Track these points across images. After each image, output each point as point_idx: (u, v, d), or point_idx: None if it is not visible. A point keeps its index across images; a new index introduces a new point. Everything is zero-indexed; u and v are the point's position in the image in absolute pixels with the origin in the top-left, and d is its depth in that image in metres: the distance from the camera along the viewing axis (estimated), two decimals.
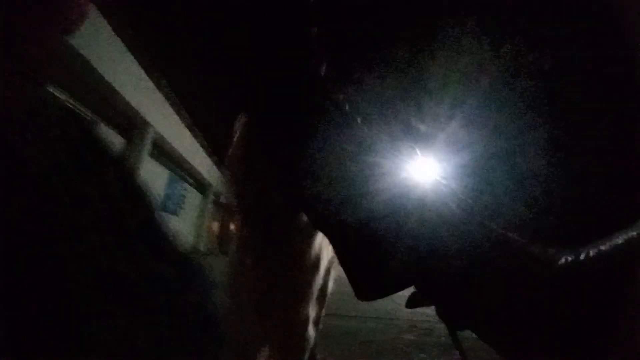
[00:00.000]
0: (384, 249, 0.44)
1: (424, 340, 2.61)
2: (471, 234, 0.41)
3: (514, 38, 0.42)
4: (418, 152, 0.44)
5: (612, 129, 0.40)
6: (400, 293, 0.49)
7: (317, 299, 1.53)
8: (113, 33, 5.10)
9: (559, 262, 0.38)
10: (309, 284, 1.09)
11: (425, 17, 0.45)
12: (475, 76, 0.44)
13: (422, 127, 0.46)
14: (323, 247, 1.18)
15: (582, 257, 0.38)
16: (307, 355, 1.20)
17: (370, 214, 0.44)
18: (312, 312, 1.20)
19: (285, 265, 1.02)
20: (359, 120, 0.45)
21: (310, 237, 1.11)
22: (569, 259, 0.38)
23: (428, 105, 0.47)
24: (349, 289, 0.54)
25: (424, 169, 0.44)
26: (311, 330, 1.22)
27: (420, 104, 0.47)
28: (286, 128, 0.50)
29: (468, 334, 0.47)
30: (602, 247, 0.37)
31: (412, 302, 0.46)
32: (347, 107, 0.45)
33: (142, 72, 6.36)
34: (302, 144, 0.48)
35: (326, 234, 0.49)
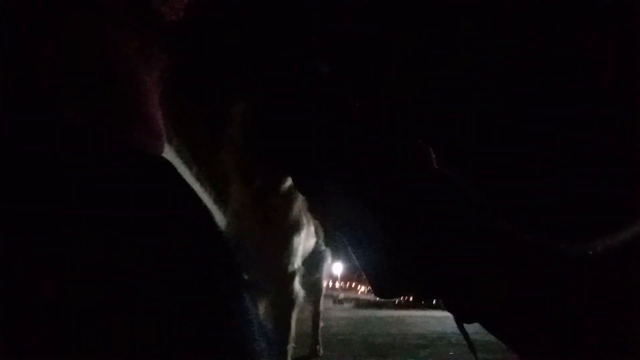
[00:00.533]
0: (393, 250, 0.45)
1: (432, 342, 2.67)
2: (476, 230, 0.41)
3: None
4: (430, 150, 0.44)
5: (618, 124, 0.40)
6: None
7: (307, 268, 1.74)
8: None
9: (567, 257, 0.39)
10: (290, 240, 1.35)
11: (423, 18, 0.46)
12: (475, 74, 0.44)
13: (428, 123, 0.47)
14: (302, 213, 1.45)
15: (590, 251, 0.38)
16: (295, 313, 1.41)
17: (376, 213, 0.45)
18: (298, 271, 1.43)
19: (269, 223, 1.29)
20: (366, 116, 0.45)
21: (290, 201, 1.39)
22: (577, 253, 0.38)
23: (435, 100, 0.47)
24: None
25: (430, 164, 0.44)
26: (300, 290, 1.44)
27: (427, 99, 0.47)
28: (290, 127, 0.51)
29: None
30: (610, 242, 0.38)
31: (422, 294, 0.48)
32: (354, 106, 0.46)
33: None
34: (309, 144, 0.48)
35: (341, 234, 0.51)
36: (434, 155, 0.44)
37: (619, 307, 0.40)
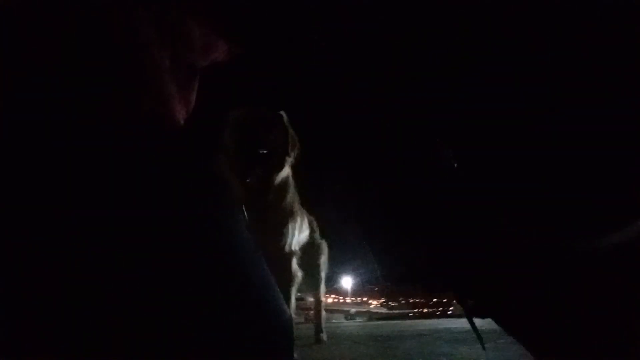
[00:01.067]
0: (402, 240, 0.46)
1: (433, 333, 2.81)
2: (483, 228, 0.43)
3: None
4: (437, 140, 0.45)
5: (619, 124, 0.40)
6: None
7: (307, 259, 1.94)
8: None
9: (571, 254, 0.40)
10: (285, 227, 1.58)
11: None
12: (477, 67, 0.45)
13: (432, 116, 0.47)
14: (295, 203, 1.69)
15: (596, 247, 0.39)
16: (294, 289, 1.62)
17: (383, 208, 0.46)
18: (295, 253, 1.66)
19: (265, 215, 1.52)
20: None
21: (283, 194, 1.62)
22: (584, 249, 0.39)
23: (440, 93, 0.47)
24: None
25: (437, 158, 0.44)
26: (297, 269, 1.66)
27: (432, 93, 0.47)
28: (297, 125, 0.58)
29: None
30: (616, 238, 0.38)
31: (431, 287, 0.57)
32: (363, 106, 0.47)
33: None
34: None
35: (357, 221, 0.51)
36: (451, 153, 0.44)
37: (619, 307, 0.39)
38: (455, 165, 0.45)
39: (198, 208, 0.31)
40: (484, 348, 0.50)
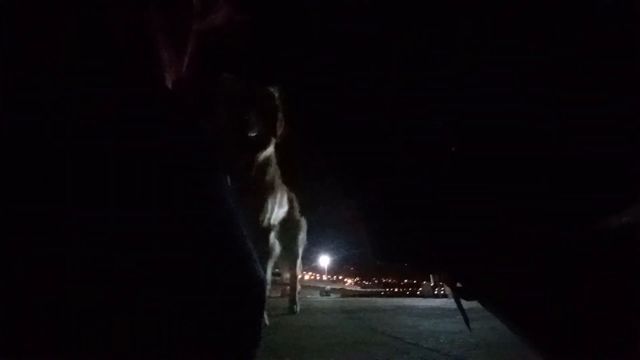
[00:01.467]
0: (403, 223, 0.46)
1: (398, 309, 3.00)
2: (480, 229, 0.43)
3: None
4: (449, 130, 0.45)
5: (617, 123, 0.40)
6: None
7: (285, 236, 2.04)
8: None
9: (568, 241, 0.40)
10: (265, 202, 1.66)
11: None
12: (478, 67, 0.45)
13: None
14: (275, 180, 1.76)
15: (590, 235, 0.39)
16: (271, 262, 1.72)
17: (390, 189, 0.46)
18: (274, 228, 1.74)
19: (247, 190, 1.59)
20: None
21: (263, 172, 1.69)
22: (578, 237, 0.39)
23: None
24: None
25: (437, 154, 0.45)
26: (275, 243, 1.76)
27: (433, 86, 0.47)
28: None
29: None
30: (610, 225, 0.38)
31: (421, 268, 0.52)
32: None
33: None
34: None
35: (353, 197, 0.52)
36: (452, 137, 0.44)
37: (618, 303, 0.39)
38: (456, 161, 0.45)
39: (199, 207, 0.32)
40: (469, 327, 0.51)
